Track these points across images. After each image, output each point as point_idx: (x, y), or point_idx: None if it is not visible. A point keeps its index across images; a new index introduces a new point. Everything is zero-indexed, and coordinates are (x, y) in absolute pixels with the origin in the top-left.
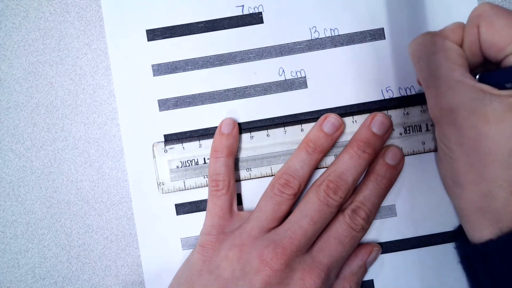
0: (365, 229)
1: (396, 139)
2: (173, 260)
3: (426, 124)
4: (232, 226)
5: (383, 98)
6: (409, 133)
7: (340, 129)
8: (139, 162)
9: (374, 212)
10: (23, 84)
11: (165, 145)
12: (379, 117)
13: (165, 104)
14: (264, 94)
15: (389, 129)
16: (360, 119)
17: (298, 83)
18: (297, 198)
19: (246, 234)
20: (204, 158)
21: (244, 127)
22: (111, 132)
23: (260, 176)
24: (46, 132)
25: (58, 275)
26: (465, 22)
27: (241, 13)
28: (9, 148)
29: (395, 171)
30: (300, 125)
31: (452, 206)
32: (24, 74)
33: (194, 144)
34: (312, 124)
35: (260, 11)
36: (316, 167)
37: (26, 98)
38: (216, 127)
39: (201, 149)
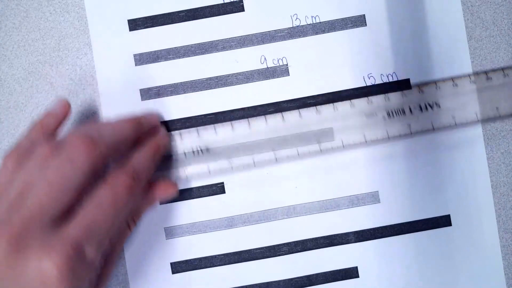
0: (133, 186)
1: (380, 124)
2: (157, 249)
3: (409, 107)
4: None
5: (365, 85)
6: (393, 116)
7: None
8: None
9: (143, 169)
10: (23, 84)
11: None
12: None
13: (147, 94)
14: (246, 82)
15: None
16: (341, 106)
17: (280, 71)
18: None
19: None
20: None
21: (225, 116)
22: None
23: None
24: None
25: None
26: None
27: (222, 2)
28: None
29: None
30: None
31: (437, 192)
32: (24, 74)
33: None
34: (294, 112)
35: None
36: None
37: (26, 98)
38: (197, 116)
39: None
